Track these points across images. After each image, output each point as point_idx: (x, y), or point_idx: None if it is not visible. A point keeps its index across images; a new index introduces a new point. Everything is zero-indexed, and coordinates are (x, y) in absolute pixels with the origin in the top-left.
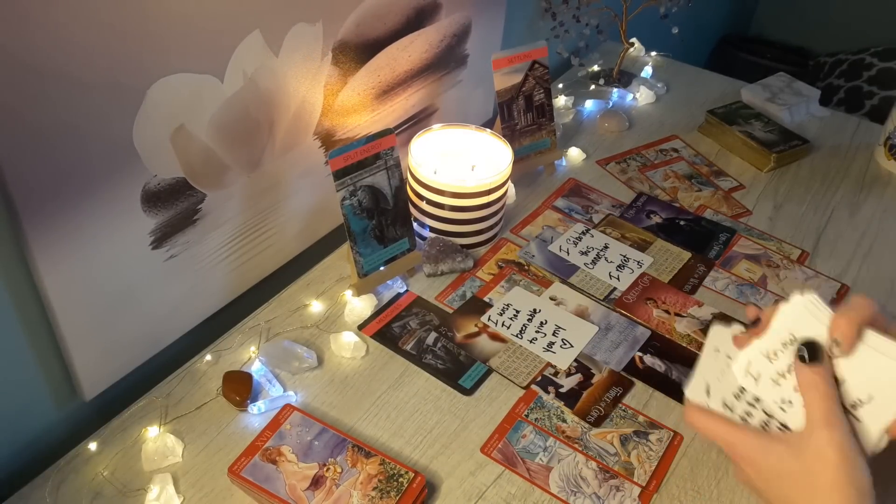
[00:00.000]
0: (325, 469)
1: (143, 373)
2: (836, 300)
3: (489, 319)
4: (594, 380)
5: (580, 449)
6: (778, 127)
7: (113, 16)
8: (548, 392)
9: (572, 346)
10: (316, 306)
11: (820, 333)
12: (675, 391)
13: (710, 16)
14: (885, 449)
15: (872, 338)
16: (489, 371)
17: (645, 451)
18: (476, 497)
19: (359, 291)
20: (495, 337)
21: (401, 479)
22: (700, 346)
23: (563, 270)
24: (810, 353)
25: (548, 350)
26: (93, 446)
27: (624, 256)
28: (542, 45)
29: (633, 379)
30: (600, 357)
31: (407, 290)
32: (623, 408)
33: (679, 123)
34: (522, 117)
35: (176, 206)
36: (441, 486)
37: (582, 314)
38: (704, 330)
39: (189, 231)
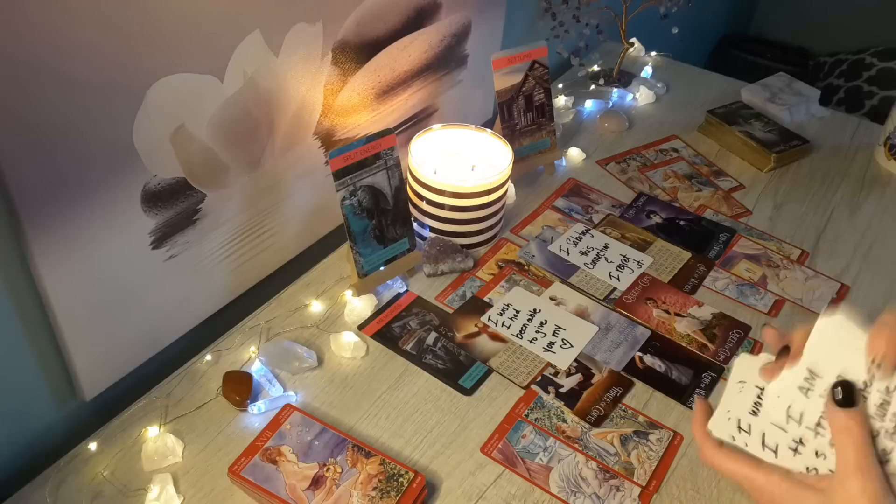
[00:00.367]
0: (325, 469)
1: (143, 373)
2: (835, 300)
3: (489, 319)
4: (594, 380)
5: (580, 449)
6: (778, 127)
7: (113, 16)
8: (548, 392)
9: (572, 346)
10: (316, 306)
11: (856, 357)
12: (675, 391)
13: (710, 16)
14: None
15: None
16: (489, 371)
17: (645, 451)
18: (476, 497)
19: (359, 291)
20: (495, 337)
21: (401, 479)
22: (700, 346)
23: (563, 270)
24: (845, 395)
25: (548, 350)
26: (93, 446)
27: (624, 256)
28: (542, 45)
29: (633, 379)
30: (600, 357)
31: (407, 290)
32: (623, 408)
33: (679, 123)
34: (522, 117)
35: (176, 206)
36: (441, 486)
37: (582, 314)
38: (704, 330)
39: (189, 231)
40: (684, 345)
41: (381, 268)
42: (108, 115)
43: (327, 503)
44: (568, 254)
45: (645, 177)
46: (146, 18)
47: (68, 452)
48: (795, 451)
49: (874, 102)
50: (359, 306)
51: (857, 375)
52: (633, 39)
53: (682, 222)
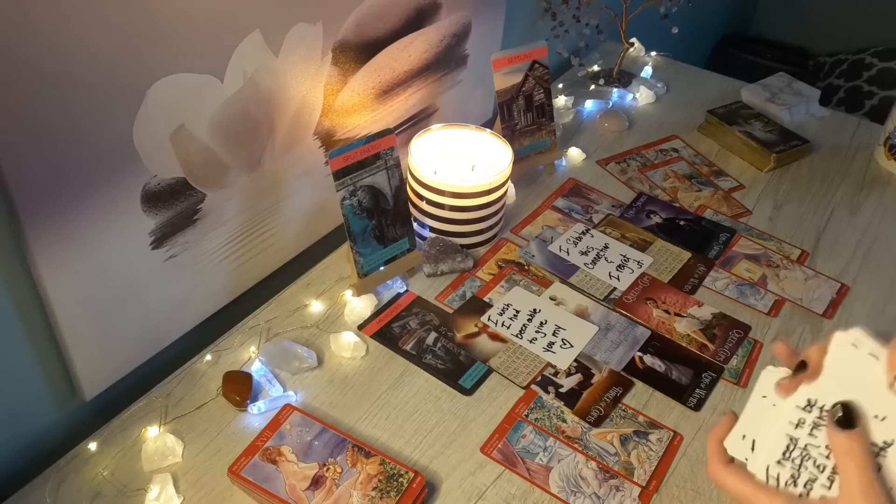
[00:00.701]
0: (325, 469)
1: (143, 373)
2: (835, 300)
3: (489, 319)
4: (594, 380)
5: (580, 449)
6: (778, 127)
7: (113, 16)
8: (548, 392)
9: (572, 346)
10: (316, 306)
11: (875, 372)
12: (675, 391)
13: (710, 16)
14: None
15: None
16: (489, 371)
17: (645, 451)
18: (476, 497)
19: (359, 291)
20: (495, 337)
21: (401, 479)
22: (700, 346)
23: (563, 270)
24: (846, 416)
25: (548, 350)
26: (93, 446)
27: (624, 256)
28: (542, 45)
29: (633, 379)
30: (600, 357)
31: (407, 290)
32: (623, 408)
33: (679, 123)
34: (522, 117)
35: (176, 206)
36: (441, 486)
37: (582, 314)
38: (704, 330)
39: (189, 231)
40: (684, 345)
41: (381, 268)
42: (109, 115)
43: (327, 503)
44: (568, 254)
45: (645, 177)
46: (146, 18)
47: (68, 452)
48: (800, 466)
49: (874, 102)
50: (359, 306)
51: (876, 394)
52: (633, 39)
53: (682, 222)
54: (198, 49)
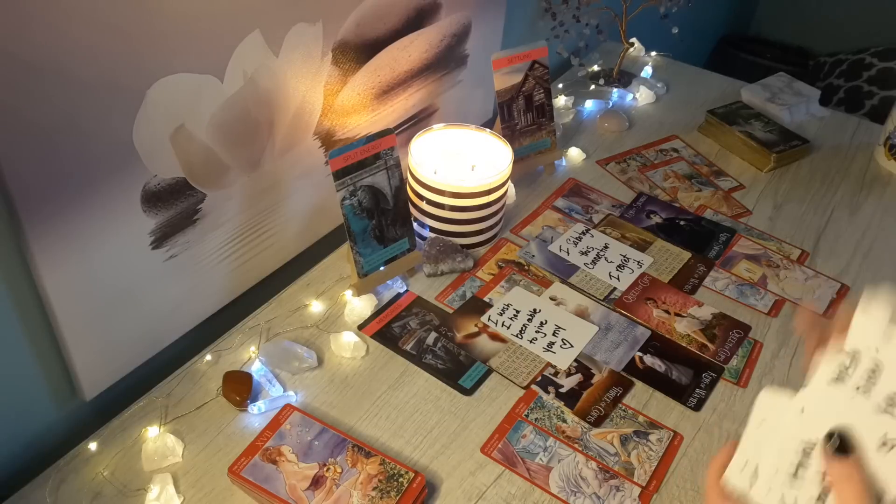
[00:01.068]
0: (325, 469)
1: (143, 373)
2: (835, 300)
3: (489, 319)
4: (594, 380)
5: (580, 449)
6: (778, 127)
7: (113, 16)
8: (548, 392)
9: (572, 346)
10: (316, 306)
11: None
12: (675, 391)
13: (710, 16)
14: None
15: None
16: (489, 371)
17: (645, 451)
18: (476, 497)
19: (359, 291)
20: (495, 337)
21: (401, 479)
22: (700, 346)
23: (563, 270)
24: (842, 443)
25: (548, 350)
26: (93, 446)
27: (624, 256)
28: (542, 45)
29: (633, 379)
30: (600, 357)
31: (407, 290)
32: (623, 408)
33: (679, 123)
34: (522, 117)
35: (176, 206)
36: (441, 486)
37: (582, 314)
38: (704, 330)
39: (189, 231)
40: (684, 345)
41: (381, 268)
42: (109, 114)
43: (327, 503)
44: (568, 254)
45: (645, 177)
46: (147, 19)
47: (68, 452)
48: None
49: (874, 102)
50: (359, 306)
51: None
52: (633, 39)
53: (682, 222)
54: (198, 49)
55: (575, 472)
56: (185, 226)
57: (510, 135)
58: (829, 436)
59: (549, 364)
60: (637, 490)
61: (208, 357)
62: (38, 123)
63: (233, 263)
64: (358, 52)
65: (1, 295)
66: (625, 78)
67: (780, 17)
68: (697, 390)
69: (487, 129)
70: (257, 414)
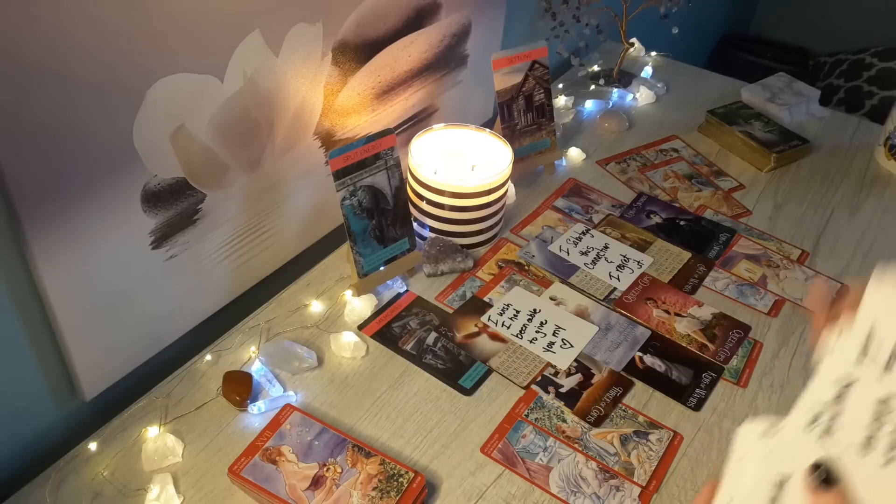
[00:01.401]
0: (325, 469)
1: (143, 373)
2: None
3: (489, 319)
4: (594, 380)
5: (580, 449)
6: (778, 127)
7: (113, 16)
8: (548, 392)
9: (572, 346)
10: (316, 306)
11: None
12: (675, 391)
13: (710, 16)
14: None
15: None
16: (489, 371)
17: (645, 451)
18: (476, 497)
19: (359, 291)
20: (495, 337)
21: (401, 479)
22: (700, 346)
23: (563, 270)
24: (828, 476)
25: (548, 350)
26: (93, 446)
27: (624, 256)
28: (542, 45)
29: (633, 379)
30: (600, 357)
31: (407, 290)
32: (623, 408)
33: (679, 123)
34: (522, 117)
35: (176, 206)
36: (441, 486)
37: (582, 314)
38: (704, 330)
39: (189, 231)
40: (684, 345)
41: (381, 268)
42: (109, 114)
43: (327, 503)
44: (568, 254)
45: (645, 177)
46: (147, 18)
47: (68, 452)
48: None
49: (874, 102)
50: (359, 306)
51: None
52: (633, 39)
53: (682, 222)
54: (198, 49)
55: (575, 472)
56: (185, 226)
57: (510, 135)
58: (815, 468)
59: (549, 364)
60: (637, 490)
61: (208, 357)
62: (38, 123)
63: (233, 263)
64: (358, 52)
65: (1, 295)
66: (625, 78)
67: (780, 17)
68: (697, 390)
69: (487, 129)
70: (257, 414)
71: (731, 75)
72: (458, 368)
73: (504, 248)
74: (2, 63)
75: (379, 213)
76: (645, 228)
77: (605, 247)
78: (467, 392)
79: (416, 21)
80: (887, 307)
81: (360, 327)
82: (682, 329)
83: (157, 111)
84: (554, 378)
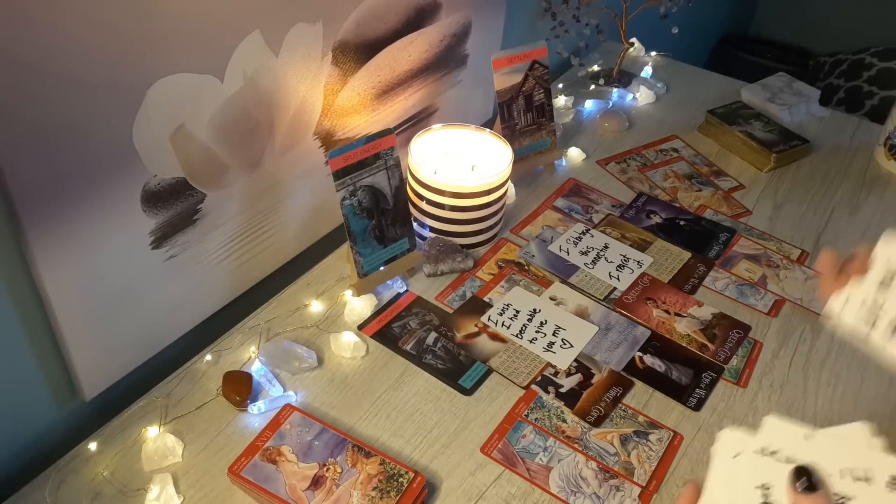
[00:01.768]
0: (325, 469)
1: (143, 373)
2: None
3: (489, 319)
4: (594, 380)
5: (580, 449)
6: (778, 127)
7: (114, 15)
8: (548, 392)
9: (572, 346)
10: (316, 306)
11: None
12: (675, 391)
13: (710, 16)
14: None
15: None
16: (489, 371)
17: (645, 451)
18: (476, 497)
19: (359, 291)
20: (495, 337)
21: (401, 479)
22: (700, 346)
23: (563, 270)
24: (809, 482)
25: (548, 350)
26: (93, 446)
27: (624, 256)
28: (542, 45)
29: (633, 379)
30: (600, 357)
31: (407, 290)
32: (623, 408)
33: (679, 123)
34: (522, 117)
35: (176, 206)
36: (441, 486)
37: (582, 314)
38: (704, 330)
39: (189, 231)
40: (684, 345)
41: (381, 268)
42: (109, 114)
43: (327, 503)
44: (568, 254)
45: (645, 177)
46: (146, 18)
47: (68, 452)
48: None
49: (874, 102)
50: (359, 306)
51: None
52: (633, 39)
53: (682, 222)
54: (198, 49)
55: (575, 472)
56: (185, 226)
57: (510, 135)
58: (797, 474)
59: (549, 364)
60: (637, 490)
61: (208, 357)
62: (38, 123)
63: (233, 263)
64: (358, 52)
65: (1, 295)
66: (625, 78)
67: (780, 17)
68: (697, 390)
69: (487, 129)
70: (257, 414)
71: (731, 75)
72: (458, 368)
73: (504, 248)
74: (2, 63)
75: (379, 213)
76: (645, 228)
77: (605, 247)
78: (467, 392)
79: (416, 21)
80: None
81: (360, 327)
82: (682, 329)
83: (156, 111)
84: (554, 378)
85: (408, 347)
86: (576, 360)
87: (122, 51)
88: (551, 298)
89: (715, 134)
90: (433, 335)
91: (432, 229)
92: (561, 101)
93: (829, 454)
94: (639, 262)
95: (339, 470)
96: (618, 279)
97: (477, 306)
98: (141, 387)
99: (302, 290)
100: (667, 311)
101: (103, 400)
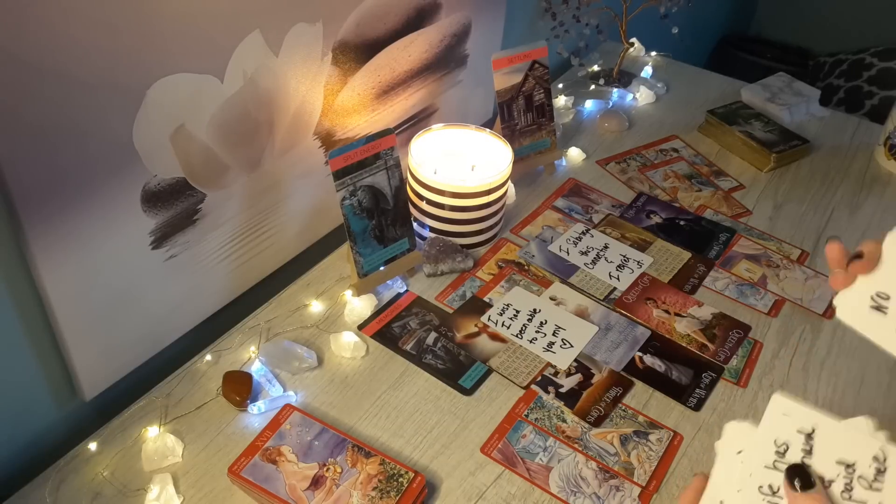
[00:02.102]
0: (325, 469)
1: (143, 373)
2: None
3: (489, 319)
4: (594, 380)
5: (580, 449)
6: (778, 127)
7: (113, 15)
8: (548, 392)
9: (572, 346)
10: (316, 306)
11: None
12: (675, 391)
13: (710, 16)
14: None
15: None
16: (489, 371)
17: (645, 451)
18: (476, 497)
19: (359, 291)
20: (495, 337)
21: (401, 479)
22: (700, 346)
23: (563, 270)
24: (803, 481)
25: (548, 350)
26: (93, 446)
27: (624, 256)
28: (542, 45)
29: (633, 379)
30: (600, 357)
31: (407, 290)
32: (623, 408)
33: (679, 123)
34: (522, 117)
35: (176, 206)
36: (441, 486)
37: (582, 314)
38: (704, 330)
39: (189, 231)
40: (684, 345)
41: (381, 268)
42: (108, 114)
43: (327, 503)
44: (568, 254)
45: (645, 177)
46: (147, 18)
47: (68, 452)
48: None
49: (874, 102)
50: (359, 306)
51: None
52: (633, 39)
53: (682, 222)
54: (198, 49)
55: (575, 472)
56: (185, 226)
57: (510, 135)
58: (792, 473)
59: (548, 364)
60: (637, 490)
61: (208, 357)
62: (38, 123)
63: (233, 263)
64: (358, 52)
65: (1, 295)
66: (625, 78)
67: (780, 17)
68: (697, 390)
69: (487, 129)
70: (257, 414)
71: (731, 75)
72: (458, 368)
73: (504, 248)
74: (2, 63)
75: (379, 213)
76: (645, 228)
77: (605, 247)
78: (467, 392)
79: (416, 21)
80: None
81: (360, 327)
82: (682, 329)
83: (156, 111)
84: (554, 378)
85: (408, 347)
86: (576, 360)
87: (122, 51)
88: (551, 298)
89: (715, 134)
90: (433, 335)
91: (432, 229)
92: (561, 101)
93: (832, 445)
94: (639, 262)
95: (339, 470)
96: (618, 279)
97: (477, 306)
98: (141, 387)
99: (302, 290)
100: (667, 311)
101: (103, 400)
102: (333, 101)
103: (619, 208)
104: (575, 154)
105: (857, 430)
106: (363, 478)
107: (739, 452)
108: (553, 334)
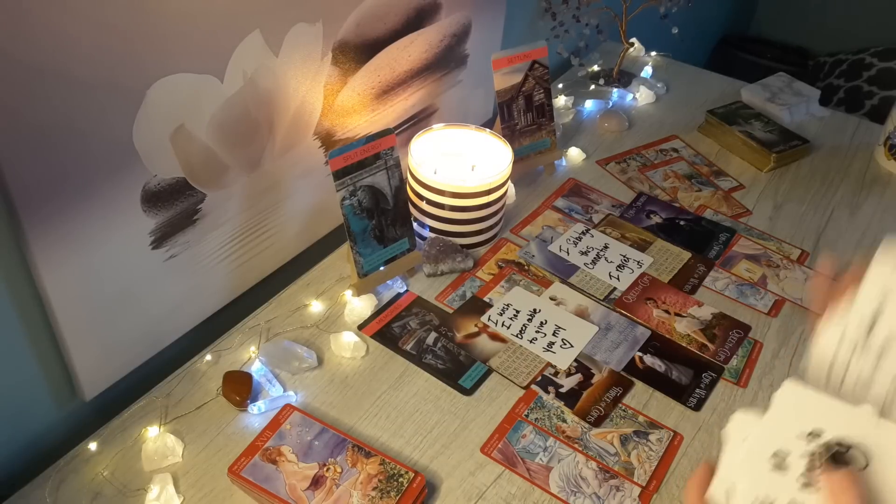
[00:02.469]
0: (325, 469)
1: (143, 373)
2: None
3: (489, 319)
4: (594, 380)
5: (580, 449)
6: (778, 127)
7: (113, 16)
8: (548, 392)
9: (572, 346)
10: (316, 306)
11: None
12: (675, 391)
13: (710, 16)
14: None
15: None
16: (489, 371)
17: (645, 451)
18: (476, 497)
19: (359, 291)
20: (495, 337)
21: (401, 479)
22: (700, 346)
23: (563, 270)
24: (837, 457)
25: (548, 350)
26: (93, 446)
27: (624, 256)
28: (542, 45)
29: (633, 379)
30: (600, 357)
31: (407, 290)
32: (623, 408)
33: (679, 123)
34: (522, 117)
35: (176, 206)
36: (441, 486)
37: (582, 314)
38: (704, 330)
39: (189, 231)
40: (684, 345)
41: (381, 268)
42: (109, 114)
43: (327, 503)
44: (568, 254)
45: (645, 177)
46: (146, 18)
47: (68, 452)
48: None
49: (874, 102)
50: (359, 306)
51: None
52: (633, 39)
53: (682, 222)
54: (198, 49)
55: (575, 472)
56: (185, 226)
57: (510, 135)
58: (827, 450)
59: (549, 364)
60: (637, 490)
61: (208, 357)
62: (37, 124)
63: (233, 263)
64: (358, 52)
65: (1, 295)
66: (625, 78)
67: (780, 17)
68: (697, 390)
69: (487, 129)
70: (257, 414)
71: (731, 75)
72: (458, 368)
73: (504, 248)
74: (2, 63)
75: (379, 213)
76: (645, 228)
77: (605, 247)
78: (467, 392)
79: (416, 21)
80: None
81: (360, 327)
82: (682, 329)
83: (156, 111)
84: (554, 378)
85: (408, 347)
86: (576, 360)
87: (122, 51)
88: (551, 298)
89: (715, 134)
90: (433, 335)
91: (432, 229)
92: (561, 101)
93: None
94: (639, 262)
95: (339, 470)
96: (618, 279)
97: (477, 306)
98: (141, 387)
99: (302, 290)
100: (667, 311)
101: (103, 400)
102: (333, 101)
103: (619, 208)
104: (575, 154)
105: (864, 416)
106: (363, 478)
107: (746, 440)
108: (553, 334)
